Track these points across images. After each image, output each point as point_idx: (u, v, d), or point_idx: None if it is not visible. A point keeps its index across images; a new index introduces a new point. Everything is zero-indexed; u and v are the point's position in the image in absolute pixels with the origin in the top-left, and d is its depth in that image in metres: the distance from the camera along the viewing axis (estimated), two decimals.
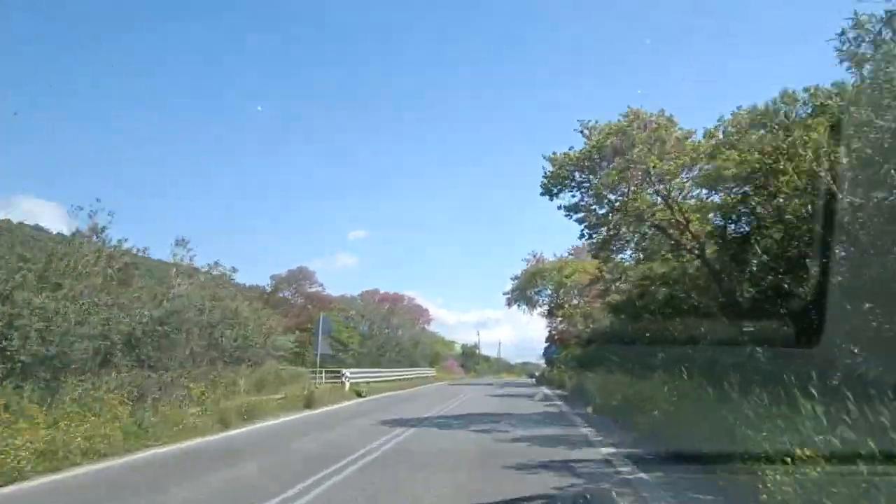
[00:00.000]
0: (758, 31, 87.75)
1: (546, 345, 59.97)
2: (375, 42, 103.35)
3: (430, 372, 52.97)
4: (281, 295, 50.21)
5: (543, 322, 46.21)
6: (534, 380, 63.31)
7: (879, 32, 8.14)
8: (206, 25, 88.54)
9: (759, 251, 12.21)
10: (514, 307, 44.80)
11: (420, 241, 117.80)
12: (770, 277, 12.12)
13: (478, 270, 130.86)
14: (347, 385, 25.29)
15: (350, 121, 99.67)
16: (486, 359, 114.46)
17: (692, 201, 16.25)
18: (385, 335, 52.20)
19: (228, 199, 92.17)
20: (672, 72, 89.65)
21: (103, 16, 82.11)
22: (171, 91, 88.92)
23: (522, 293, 43.55)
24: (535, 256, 44.21)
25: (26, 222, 29.95)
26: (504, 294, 44.97)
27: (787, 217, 11.48)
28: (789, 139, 11.33)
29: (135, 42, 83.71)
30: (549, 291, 42.33)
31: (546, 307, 43.67)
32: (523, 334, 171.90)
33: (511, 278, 44.95)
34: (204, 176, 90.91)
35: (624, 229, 17.12)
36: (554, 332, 42.45)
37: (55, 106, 77.38)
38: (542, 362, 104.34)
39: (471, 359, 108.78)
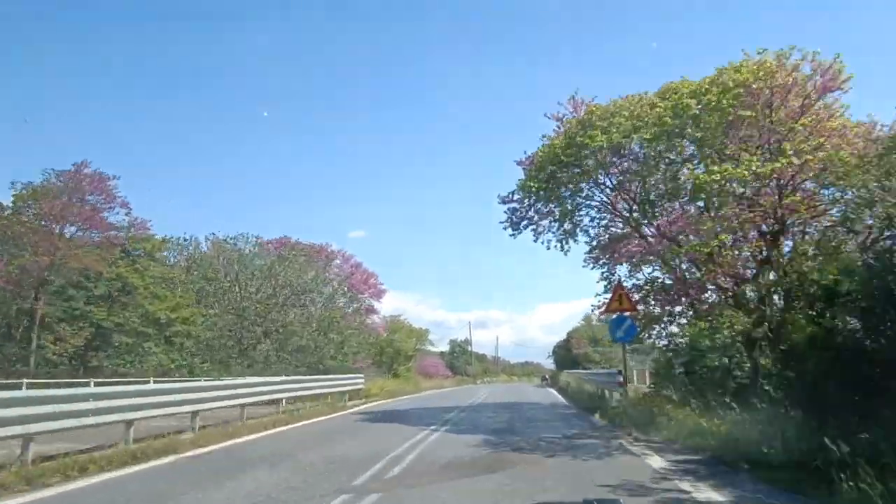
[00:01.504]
0: None
1: (595, 312, 35.97)
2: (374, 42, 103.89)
3: (357, 381, 26.50)
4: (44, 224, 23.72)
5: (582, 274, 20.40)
6: (548, 384, 40.29)
7: None
8: (207, 26, 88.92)
9: None
10: (524, 232, 18.12)
11: (420, 241, 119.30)
12: None
13: (478, 270, 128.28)
14: None
15: (350, 120, 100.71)
16: (481, 357, 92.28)
17: None
18: (258, 309, 26.07)
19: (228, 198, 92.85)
20: None
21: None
22: (174, 99, 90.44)
23: (548, 181, 16.91)
24: (574, 104, 17.64)
25: None
26: (502, 202, 18.23)
27: None
28: None
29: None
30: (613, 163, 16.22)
31: (612, 217, 17.27)
32: (523, 335, 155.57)
33: (518, 164, 18.34)
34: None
35: None
36: (627, 282, 16.24)
37: None
38: (549, 362, 79.29)
39: (461, 358, 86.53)
